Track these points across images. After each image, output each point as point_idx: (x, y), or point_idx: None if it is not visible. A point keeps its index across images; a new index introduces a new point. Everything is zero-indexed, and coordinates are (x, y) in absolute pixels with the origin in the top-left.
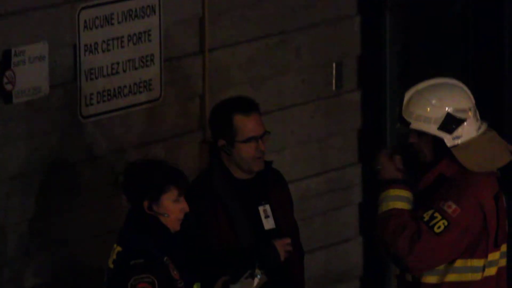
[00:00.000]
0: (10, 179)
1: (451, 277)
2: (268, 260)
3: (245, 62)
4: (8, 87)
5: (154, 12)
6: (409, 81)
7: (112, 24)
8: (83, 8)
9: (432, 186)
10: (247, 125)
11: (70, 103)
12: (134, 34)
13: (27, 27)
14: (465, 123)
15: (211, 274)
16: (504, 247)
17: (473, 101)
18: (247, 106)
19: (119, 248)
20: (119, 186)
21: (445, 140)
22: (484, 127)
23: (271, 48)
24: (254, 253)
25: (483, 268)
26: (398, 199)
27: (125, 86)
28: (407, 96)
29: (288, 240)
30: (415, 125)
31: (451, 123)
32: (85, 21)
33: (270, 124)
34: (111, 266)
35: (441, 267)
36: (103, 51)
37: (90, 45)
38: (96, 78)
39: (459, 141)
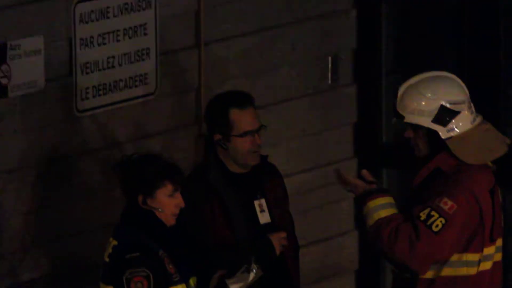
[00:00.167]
0: (6, 173)
1: (447, 271)
2: (264, 254)
3: (240, 56)
4: (4, 81)
5: (150, 6)
6: (405, 75)
7: (108, 17)
8: (79, 1)
9: (427, 180)
10: (243, 119)
11: (65, 97)
12: (130, 28)
13: (22, 21)
14: (459, 115)
15: (207, 268)
16: (499, 242)
17: (468, 93)
18: (243, 100)
19: (114, 242)
20: (115, 172)
21: (440, 133)
22: (479, 119)
23: (267, 41)
24: (250, 247)
25: (479, 263)
26: (379, 209)
27: (121, 80)
28: (401, 90)
29: (284, 234)
30: (410, 118)
31: (445, 115)
32: (81, 15)
33: (265, 118)
34: (107, 260)
35: None
36: (99, 45)
37: (86, 39)
38: (92, 72)
39: (453, 134)
